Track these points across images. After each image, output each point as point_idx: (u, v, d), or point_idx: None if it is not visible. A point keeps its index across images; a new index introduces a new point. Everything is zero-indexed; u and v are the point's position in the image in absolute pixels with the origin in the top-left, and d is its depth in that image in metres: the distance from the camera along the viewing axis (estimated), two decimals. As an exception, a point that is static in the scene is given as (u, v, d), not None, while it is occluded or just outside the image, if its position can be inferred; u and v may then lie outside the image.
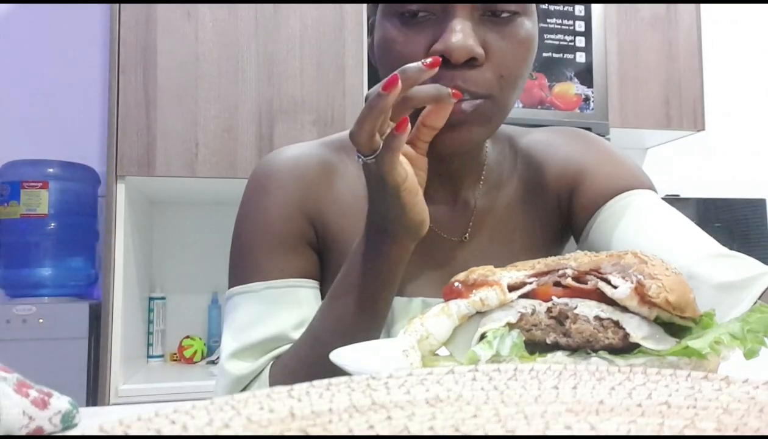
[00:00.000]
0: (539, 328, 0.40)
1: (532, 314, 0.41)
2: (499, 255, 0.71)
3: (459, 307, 0.42)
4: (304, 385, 0.27)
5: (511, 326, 0.41)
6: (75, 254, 1.86)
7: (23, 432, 0.37)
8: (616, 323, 0.39)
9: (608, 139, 1.77)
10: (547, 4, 1.90)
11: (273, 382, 0.66)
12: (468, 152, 0.69)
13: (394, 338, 0.55)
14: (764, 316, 0.39)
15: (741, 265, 0.62)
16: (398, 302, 0.68)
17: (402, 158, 0.54)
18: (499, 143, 0.76)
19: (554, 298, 0.41)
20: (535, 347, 0.40)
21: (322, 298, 0.70)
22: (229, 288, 0.72)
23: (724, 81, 2.62)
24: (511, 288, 0.42)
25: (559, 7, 1.90)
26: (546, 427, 0.24)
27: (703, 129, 2.18)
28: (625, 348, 0.39)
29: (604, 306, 0.40)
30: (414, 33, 0.60)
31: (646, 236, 0.65)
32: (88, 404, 1.67)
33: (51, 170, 1.82)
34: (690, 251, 0.63)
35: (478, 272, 0.44)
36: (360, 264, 0.61)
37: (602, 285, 0.40)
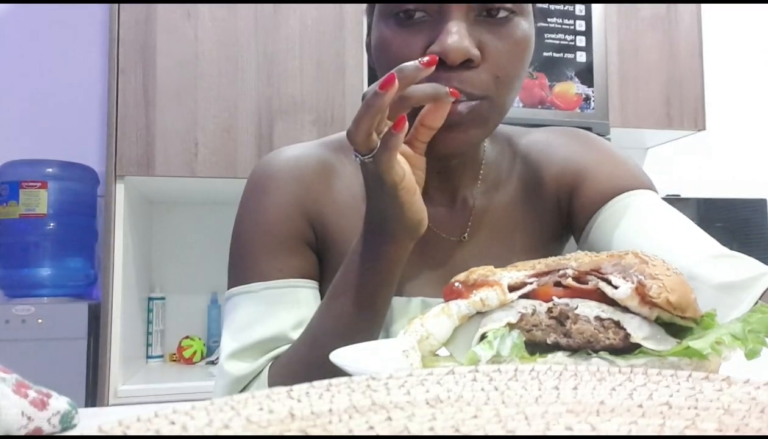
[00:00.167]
0: (540, 328, 0.40)
1: (533, 314, 0.41)
2: (498, 255, 0.71)
3: (459, 307, 0.42)
4: (304, 385, 0.27)
5: (511, 326, 0.41)
6: (74, 254, 1.86)
7: (22, 433, 0.37)
8: (617, 324, 0.39)
9: (609, 139, 1.77)
10: (547, 4, 1.90)
11: (272, 382, 0.66)
12: (466, 152, 0.69)
13: (394, 338, 0.55)
14: (765, 316, 0.39)
15: (742, 265, 0.61)
16: (397, 301, 0.68)
17: (400, 157, 0.54)
18: (498, 143, 0.76)
19: (555, 298, 0.41)
20: (536, 347, 0.40)
21: (322, 298, 0.69)
22: (228, 288, 0.72)
23: (725, 81, 2.62)
24: (512, 288, 0.42)
25: (560, 7, 1.89)
26: (547, 428, 0.24)
27: (704, 129, 2.18)
28: (626, 349, 0.39)
29: (604, 306, 0.40)
30: (410, 34, 0.60)
31: (647, 236, 0.65)
32: (87, 405, 1.67)
33: (50, 170, 1.82)
34: (690, 251, 0.63)
35: (478, 273, 0.44)
36: (358, 264, 0.61)
37: (603, 285, 0.40)
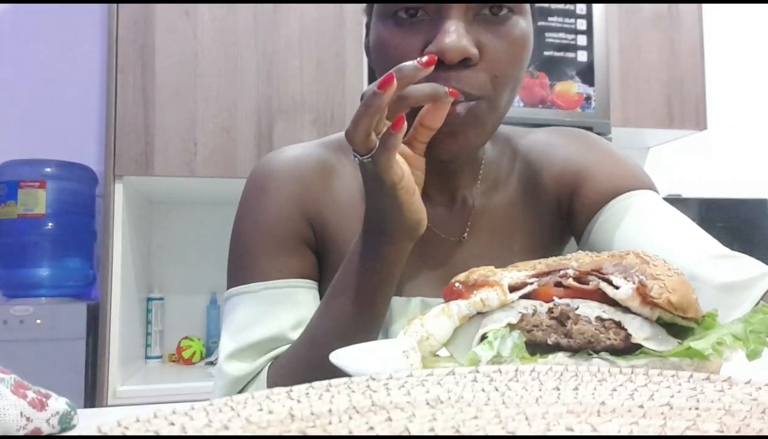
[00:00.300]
0: (540, 329, 0.40)
1: (533, 314, 0.40)
2: (498, 255, 0.71)
3: (459, 307, 0.42)
4: (304, 386, 0.27)
5: (512, 326, 0.41)
6: (73, 254, 1.86)
7: (21, 433, 0.37)
8: (618, 324, 0.39)
9: (610, 139, 1.78)
10: (547, 3, 1.90)
11: (271, 383, 0.66)
12: (465, 156, 0.69)
13: (394, 338, 0.54)
14: (767, 317, 0.38)
15: (743, 265, 0.61)
16: (396, 301, 0.68)
17: (398, 157, 0.54)
18: (498, 143, 0.76)
19: (555, 298, 0.41)
20: (536, 347, 0.40)
21: (321, 298, 0.69)
22: (227, 289, 0.72)
23: (726, 80, 2.62)
24: (512, 289, 0.42)
25: (561, 6, 1.89)
26: (547, 428, 0.24)
27: (705, 128, 2.18)
28: (627, 349, 0.39)
29: (605, 307, 0.40)
30: (408, 34, 0.60)
31: (648, 236, 0.65)
32: (86, 406, 1.67)
33: (48, 170, 1.82)
34: (692, 251, 0.63)
35: (478, 273, 0.43)
36: (357, 264, 0.61)
37: (604, 286, 0.40)
